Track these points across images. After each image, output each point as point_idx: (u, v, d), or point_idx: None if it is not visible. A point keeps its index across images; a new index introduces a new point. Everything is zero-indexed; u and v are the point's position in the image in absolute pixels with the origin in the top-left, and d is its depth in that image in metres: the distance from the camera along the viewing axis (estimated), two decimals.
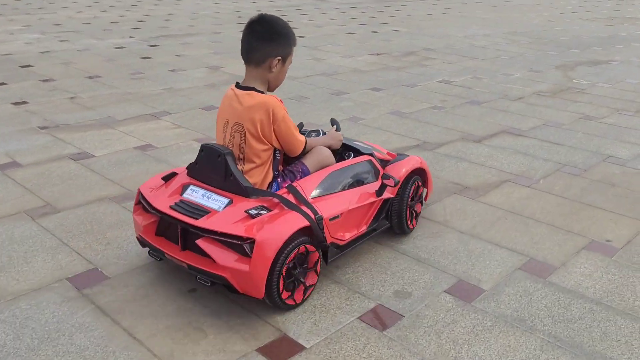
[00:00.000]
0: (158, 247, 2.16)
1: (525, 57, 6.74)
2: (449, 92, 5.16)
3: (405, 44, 7.39)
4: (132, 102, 4.64)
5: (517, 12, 10.95)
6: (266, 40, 2.17)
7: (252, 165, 2.22)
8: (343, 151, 2.59)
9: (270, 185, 2.27)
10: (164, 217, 2.13)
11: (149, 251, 2.26)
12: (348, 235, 2.30)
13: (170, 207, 2.12)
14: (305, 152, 2.34)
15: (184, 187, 2.23)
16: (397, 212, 2.54)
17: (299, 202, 2.12)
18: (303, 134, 2.47)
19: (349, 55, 6.65)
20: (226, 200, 2.10)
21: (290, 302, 2.08)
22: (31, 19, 8.71)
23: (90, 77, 5.39)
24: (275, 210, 2.07)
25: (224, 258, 1.98)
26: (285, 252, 1.99)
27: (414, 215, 2.68)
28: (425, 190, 2.79)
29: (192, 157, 2.52)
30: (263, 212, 2.05)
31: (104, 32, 7.79)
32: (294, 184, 2.20)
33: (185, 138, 3.88)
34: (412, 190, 2.59)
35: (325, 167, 2.37)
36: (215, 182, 2.17)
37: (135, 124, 4.14)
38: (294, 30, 2.30)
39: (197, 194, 2.17)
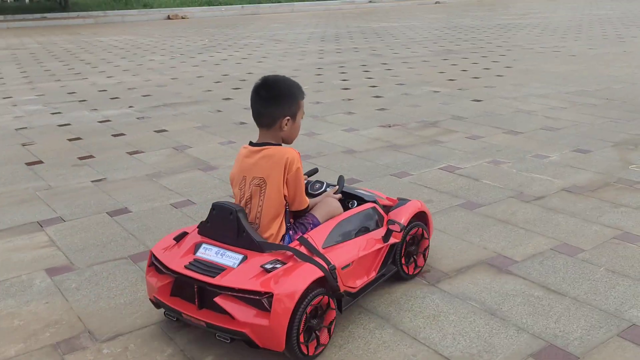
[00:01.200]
0: (174, 307, 2.21)
1: (580, 128, 5.27)
2: (444, 187, 3.91)
3: (432, 111, 6.16)
4: (32, 203, 3.86)
5: (599, 62, 9.25)
6: (272, 104, 2.30)
7: (269, 217, 2.29)
8: (347, 200, 2.67)
9: (283, 237, 2.33)
10: (180, 277, 2.20)
11: (164, 312, 2.32)
12: (359, 282, 2.37)
13: (185, 267, 2.19)
14: (307, 210, 2.42)
15: (197, 246, 2.29)
16: (400, 257, 2.61)
17: (312, 253, 2.20)
18: (308, 183, 2.68)
19: (353, 129, 5.55)
20: (240, 257, 2.17)
21: (308, 352, 2.11)
22: (52, 87, 8.47)
23: (29, 164, 4.73)
24: (290, 263, 2.13)
25: (243, 314, 2.04)
26: (304, 304, 2.05)
27: (413, 260, 2.70)
28: (428, 242, 2.79)
29: None
30: (278, 265, 2.12)
31: (109, 101, 7.28)
32: (305, 236, 2.27)
33: (37, 266, 2.99)
34: (410, 234, 2.65)
35: (332, 217, 2.44)
36: (229, 239, 2.25)
37: (5, 237, 3.34)
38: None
39: (210, 252, 2.24)
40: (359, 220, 2.48)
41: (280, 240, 2.32)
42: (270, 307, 1.98)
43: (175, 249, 2.31)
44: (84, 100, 7.36)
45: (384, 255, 2.52)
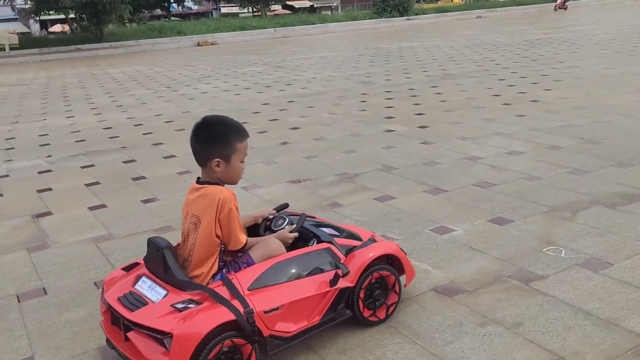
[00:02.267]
0: (108, 336, 2.31)
1: (520, 184, 4.19)
2: None
3: (366, 158, 5.21)
4: None
5: (605, 86, 7.94)
6: (203, 146, 2.35)
7: (200, 256, 2.34)
8: (308, 238, 2.57)
9: (214, 276, 2.35)
10: (110, 308, 2.27)
11: (106, 339, 2.36)
12: (295, 327, 2.30)
13: (118, 299, 2.26)
14: (245, 249, 2.40)
15: (137, 278, 2.35)
16: (352, 303, 2.47)
17: (232, 295, 2.17)
18: (274, 219, 2.68)
19: (254, 186, 4.71)
20: (164, 293, 2.20)
21: None
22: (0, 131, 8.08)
23: None
24: (205, 304, 2.13)
25: (150, 351, 2.09)
26: (207, 347, 2.04)
27: (383, 305, 2.56)
28: (396, 280, 2.60)
29: None
30: (191, 305, 2.12)
31: (35, 148, 6.73)
32: (230, 277, 2.26)
33: None
34: (369, 279, 2.49)
35: (272, 258, 2.37)
36: (159, 274, 2.29)
37: None
38: None
39: (145, 285, 2.30)
40: (304, 262, 2.40)
41: (211, 279, 2.34)
42: (170, 347, 2.03)
43: (122, 279, 2.41)
44: (11, 148, 6.88)
45: (332, 299, 2.41)
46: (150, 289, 2.27)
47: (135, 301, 2.21)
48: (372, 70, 11.84)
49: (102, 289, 2.43)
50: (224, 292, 2.18)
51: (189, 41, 26.57)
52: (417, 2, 36.10)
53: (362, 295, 2.48)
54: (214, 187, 2.34)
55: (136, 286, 2.31)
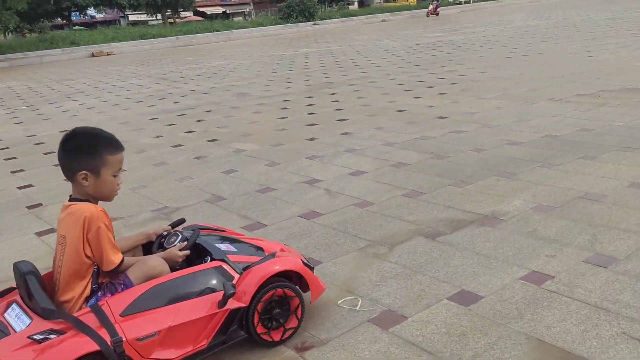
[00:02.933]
0: None
1: (347, 214, 3.82)
2: None
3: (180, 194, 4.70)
4: None
5: (475, 91, 7.85)
6: (70, 157, 2.19)
7: (68, 278, 2.18)
8: (201, 255, 2.41)
9: (87, 299, 2.19)
10: None
11: None
12: (177, 353, 2.14)
13: None
14: (121, 270, 2.22)
15: (8, 305, 2.19)
16: (249, 324, 2.28)
17: (99, 324, 2.02)
18: (166, 235, 2.51)
19: (44, 232, 4.07)
20: (28, 322, 2.04)
21: None
22: None
23: None
24: (68, 334, 1.97)
25: None
26: None
27: (280, 327, 2.36)
28: (300, 304, 2.40)
29: None
30: (52, 336, 1.95)
31: None
32: (101, 302, 2.10)
33: None
34: (264, 298, 2.29)
35: (153, 278, 2.20)
36: (27, 301, 2.14)
37: None
38: None
39: (13, 313, 2.14)
40: (189, 283, 2.23)
41: (84, 303, 2.18)
42: None
43: None
44: None
45: (221, 322, 2.23)
46: (17, 317, 2.11)
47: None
48: (255, 80, 11.33)
49: None
50: (90, 320, 2.02)
51: (83, 52, 25.13)
52: (328, 5, 35.88)
53: (257, 322, 2.30)
54: (81, 204, 2.19)
55: (5, 314, 2.15)
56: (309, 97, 8.61)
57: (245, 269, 2.36)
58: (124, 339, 2.02)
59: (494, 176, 4.26)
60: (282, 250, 2.61)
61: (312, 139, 5.94)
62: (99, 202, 2.28)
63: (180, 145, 6.27)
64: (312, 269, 2.54)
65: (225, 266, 2.33)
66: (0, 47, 26.26)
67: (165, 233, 2.55)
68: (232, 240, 2.57)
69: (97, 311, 2.06)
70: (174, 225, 2.65)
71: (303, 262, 2.50)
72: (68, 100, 10.88)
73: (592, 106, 6.27)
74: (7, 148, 6.96)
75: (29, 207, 4.56)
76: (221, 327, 2.24)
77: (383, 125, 6.24)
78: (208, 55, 19.22)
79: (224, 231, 2.73)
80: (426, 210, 3.73)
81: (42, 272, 2.28)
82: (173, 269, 2.34)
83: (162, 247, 2.49)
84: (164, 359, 2.11)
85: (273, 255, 2.47)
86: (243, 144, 6.01)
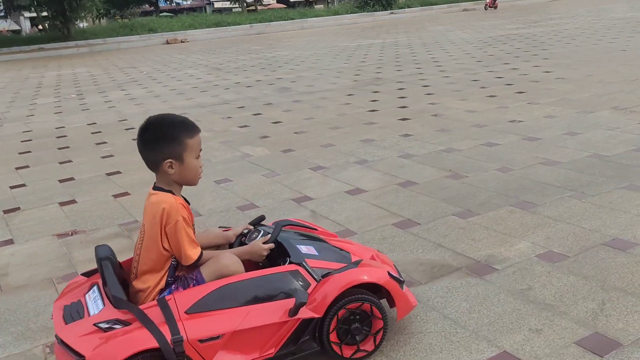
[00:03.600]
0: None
1: None
2: None
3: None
4: None
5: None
6: (149, 148, 2.14)
7: (146, 268, 2.14)
8: (283, 254, 2.25)
9: (162, 292, 2.14)
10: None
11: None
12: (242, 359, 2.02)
13: (63, 307, 2.11)
14: (198, 264, 2.15)
15: (91, 287, 2.20)
16: (322, 336, 2.10)
17: (163, 319, 1.95)
18: (246, 233, 2.40)
19: (15, 241, 3.78)
20: (101, 307, 2.04)
21: None
22: None
23: None
24: (132, 326, 1.94)
25: None
26: None
27: (369, 336, 2.16)
28: (383, 324, 2.18)
29: None
30: (117, 326, 1.94)
31: None
32: (169, 297, 2.03)
33: None
34: (343, 311, 2.10)
35: (225, 277, 2.10)
36: (104, 286, 2.13)
37: None
38: None
39: (92, 295, 2.14)
40: (260, 285, 2.09)
41: (157, 295, 2.13)
42: None
43: (81, 285, 2.26)
44: None
45: (291, 331, 2.07)
46: (94, 300, 2.12)
47: (75, 313, 2.07)
48: (304, 74, 10.85)
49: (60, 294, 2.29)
50: (155, 314, 1.97)
51: (159, 39, 25.65)
52: None
53: (333, 329, 2.11)
54: (162, 195, 2.13)
55: (86, 295, 2.18)
56: (349, 95, 8.04)
57: (324, 275, 2.17)
58: (185, 339, 1.94)
59: (509, 206, 3.56)
60: (372, 258, 2.40)
61: (327, 145, 5.39)
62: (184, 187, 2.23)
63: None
64: (401, 283, 2.28)
65: (302, 271, 2.17)
66: (84, 32, 27.34)
67: (245, 231, 2.43)
68: (317, 242, 2.40)
69: (163, 305, 2.00)
70: (254, 223, 2.51)
71: (391, 274, 2.23)
72: (117, 90, 10.88)
73: None
74: (30, 140, 6.90)
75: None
76: (291, 336, 2.09)
77: (411, 132, 5.59)
78: (274, 45, 18.95)
79: (316, 230, 2.58)
80: (411, 247, 3.12)
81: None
82: (257, 265, 2.29)
83: (243, 245, 2.37)
84: None
85: (357, 264, 2.27)
86: (254, 148, 5.56)
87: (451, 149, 4.90)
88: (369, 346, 2.19)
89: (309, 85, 9.29)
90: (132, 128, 7.02)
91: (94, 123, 7.65)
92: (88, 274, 2.32)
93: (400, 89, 8.17)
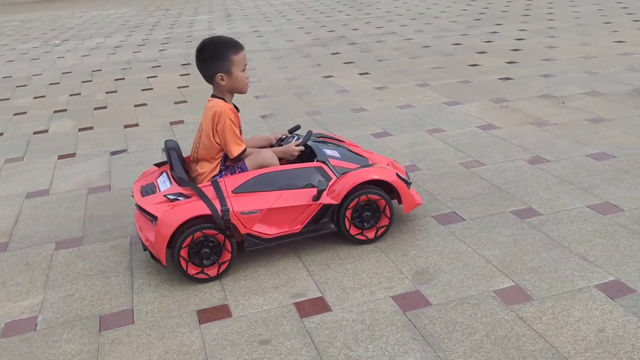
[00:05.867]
0: (136, 219, 2.73)
1: None
2: None
3: None
4: None
5: None
6: (204, 64, 2.65)
7: (202, 157, 2.69)
8: (312, 157, 2.78)
9: (215, 176, 2.67)
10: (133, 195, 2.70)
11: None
12: (274, 231, 2.58)
13: (140, 187, 2.70)
14: (242, 157, 2.69)
15: (161, 173, 2.79)
16: (338, 220, 2.67)
17: (215, 195, 2.51)
18: (284, 138, 2.95)
19: None
20: (169, 185, 2.61)
21: (201, 276, 2.49)
22: None
23: None
24: (192, 198, 2.50)
25: (148, 229, 2.52)
26: (186, 232, 2.42)
27: (373, 227, 2.72)
28: (387, 205, 2.71)
29: None
30: (180, 198, 2.51)
31: None
32: (220, 179, 2.60)
33: None
34: (356, 201, 2.65)
35: (264, 167, 2.65)
36: (171, 171, 2.70)
37: None
38: None
39: (162, 179, 2.71)
40: (291, 176, 2.63)
41: (212, 178, 2.65)
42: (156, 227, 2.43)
43: (154, 173, 2.83)
44: None
45: (314, 213, 2.62)
46: (163, 182, 2.67)
47: (149, 190, 2.62)
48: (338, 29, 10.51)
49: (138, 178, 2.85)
50: (209, 191, 2.51)
51: None
52: None
53: (348, 214, 2.65)
54: (216, 101, 2.65)
55: (158, 179, 2.72)
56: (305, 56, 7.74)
57: (344, 173, 2.69)
58: (231, 210, 2.49)
59: None
60: (388, 164, 2.89)
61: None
62: (236, 95, 2.73)
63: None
64: (409, 184, 2.80)
65: (325, 168, 2.70)
66: None
67: (283, 137, 2.96)
68: (341, 148, 2.92)
69: (215, 185, 2.56)
70: (291, 130, 3.03)
71: (399, 175, 2.73)
72: (100, 37, 10.54)
73: None
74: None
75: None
76: (314, 217, 2.63)
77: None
78: None
79: (343, 141, 3.08)
80: None
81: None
82: (289, 162, 2.81)
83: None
84: (262, 232, 2.55)
85: (371, 166, 2.78)
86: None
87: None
88: (384, 222, 2.73)
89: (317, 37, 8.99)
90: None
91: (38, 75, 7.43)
92: (159, 165, 2.90)
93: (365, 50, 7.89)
